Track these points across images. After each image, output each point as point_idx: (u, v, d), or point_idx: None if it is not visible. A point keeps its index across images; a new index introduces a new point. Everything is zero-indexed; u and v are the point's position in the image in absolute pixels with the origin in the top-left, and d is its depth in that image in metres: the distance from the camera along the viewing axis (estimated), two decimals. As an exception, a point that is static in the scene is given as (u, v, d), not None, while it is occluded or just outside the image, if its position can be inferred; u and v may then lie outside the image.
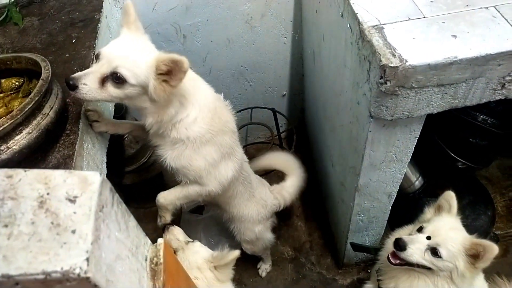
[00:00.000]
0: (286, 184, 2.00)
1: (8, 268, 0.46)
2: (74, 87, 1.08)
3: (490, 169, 2.52)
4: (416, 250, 1.34)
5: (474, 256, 1.29)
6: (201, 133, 1.30)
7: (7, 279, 0.46)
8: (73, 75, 1.09)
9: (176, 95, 1.22)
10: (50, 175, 0.55)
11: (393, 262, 1.40)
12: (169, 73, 1.11)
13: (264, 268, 2.24)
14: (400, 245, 1.35)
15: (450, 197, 1.43)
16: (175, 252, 1.44)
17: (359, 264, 2.23)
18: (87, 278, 0.49)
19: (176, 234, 1.50)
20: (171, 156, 1.34)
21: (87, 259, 0.49)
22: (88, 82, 1.09)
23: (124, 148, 2.20)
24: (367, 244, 1.96)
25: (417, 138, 1.36)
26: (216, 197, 1.57)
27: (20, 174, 0.55)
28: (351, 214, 1.74)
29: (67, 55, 1.50)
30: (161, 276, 0.73)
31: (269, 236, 1.98)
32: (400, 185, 2.12)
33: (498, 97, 1.18)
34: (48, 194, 0.54)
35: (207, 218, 2.26)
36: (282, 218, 2.49)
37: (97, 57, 1.14)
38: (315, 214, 2.50)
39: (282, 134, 2.70)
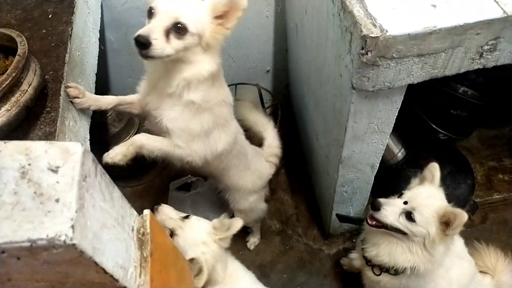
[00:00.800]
0: (267, 141, 2.01)
1: (-7, 237, 0.47)
2: (148, 44, 1.06)
3: (470, 139, 2.59)
4: (391, 212, 1.39)
5: (446, 224, 1.33)
6: (205, 99, 1.32)
7: (-8, 247, 0.47)
8: (140, 33, 1.07)
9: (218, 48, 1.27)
10: (31, 146, 0.55)
11: (369, 223, 1.46)
12: (224, 16, 1.16)
13: (253, 241, 2.29)
14: (375, 205, 1.41)
15: (433, 168, 1.47)
16: (173, 234, 1.42)
17: (344, 234, 2.30)
18: (73, 245, 0.50)
19: (168, 212, 1.47)
20: (168, 117, 1.33)
21: (72, 226, 0.50)
22: (158, 37, 1.08)
23: (108, 127, 2.18)
24: (352, 215, 2.02)
25: (398, 109, 1.38)
26: (207, 168, 1.58)
27: (0, 145, 0.55)
28: (336, 185, 1.78)
29: (43, 31, 1.46)
30: (148, 246, 0.75)
31: (262, 206, 2.02)
32: (383, 157, 2.17)
33: (476, 67, 1.21)
34: (29, 164, 0.54)
35: (194, 194, 2.29)
36: (269, 192, 2.53)
37: (150, 12, 1.13)
38: (301, 187, 2.54)
39: (267, 110, 2.70)
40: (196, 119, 1.35)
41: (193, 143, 1.39)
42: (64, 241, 0.49)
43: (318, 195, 2.31)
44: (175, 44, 1.13)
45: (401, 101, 1.35)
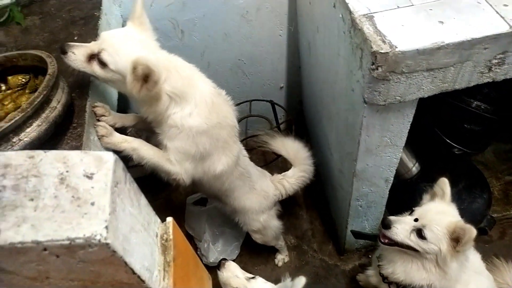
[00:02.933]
0: (288, 173, 2.01)
1: (36, 235, 0.52)
2: (64, 52, 1.19)
3: (486, 154, 2.58)
4: (402, 230, 1.39)
5: (456, 240, 1.32)
6: (196, 125, 1.34)
7: (36, 245, 0.52)
8: (68, 43, 1.20)
9: (164, 94, 1.26)
10: (68, 155, 0.61)
11: (382, 241, 1.46)
12: (145, 78, 1.16)
13: (281, 258, 2.28)
14: (385, 223, 1.41)
15: (443, 184, 1.47)
16: None
17: (360, 250, 2.29)
18: (107, 244, 0.54)
19: (234, 270, 1.44)
20: (166, 134, 1.37)
21: (106, 227, 0.54)
22: (77, 52, 1.19)
23: (127, 143, 2.25)
24: (367, 231, 2.02)
25: (410, 123, 1.41)
26: (210, 189, 1.61)
27: (40, 154, 0.60)
28: (350, 199, 1.80)
29: (70, 52, 1.55)
30: (171, 251, 0.79)
31: (275, 223, 2.00)
32: (397, 171, 2.18)
33: (486, 80, 1.23)
34: (67, 171, 0.59)
35: (211, 209, 2.32)
36: (284, 208, 2.55)
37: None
38: (316, 202, 2.55)
39: (281, 125, 2.75)
40: (192, 141, 1.37)
41: (185, 162, 1.41)
42: (99, 240, 0.53)
43: (333, 210, 2.32)
44: (96, 69, 1.22)
45: (413, 114, 1.38)
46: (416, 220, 1.41)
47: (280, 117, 2.78)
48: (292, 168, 2.03)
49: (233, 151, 1.54)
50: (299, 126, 2.89)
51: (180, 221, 2.41)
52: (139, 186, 2.47)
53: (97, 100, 1.40)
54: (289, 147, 2.03)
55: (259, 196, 1.84)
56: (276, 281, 2.24)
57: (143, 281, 0.65)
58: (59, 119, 1.20)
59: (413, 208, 1.48)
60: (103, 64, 1.20)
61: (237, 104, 2.54)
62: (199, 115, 1.35)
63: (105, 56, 1.18)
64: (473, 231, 1.27)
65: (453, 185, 2.20)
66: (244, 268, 2.32)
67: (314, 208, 2.53)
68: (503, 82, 2.00)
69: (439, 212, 1.42)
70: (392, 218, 1.43)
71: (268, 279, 2.26)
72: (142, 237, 0.69)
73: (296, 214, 2.52)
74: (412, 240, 1.38)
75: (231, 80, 2.50)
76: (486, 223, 2.23)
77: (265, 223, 1.92)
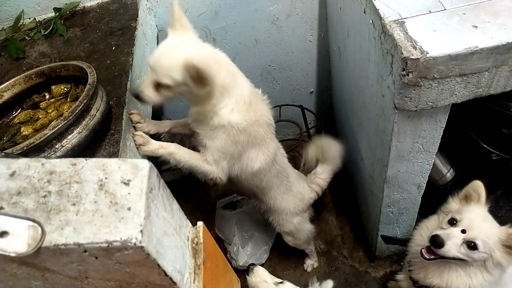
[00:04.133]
0: (317, 171, 2.00)
1: (78, 238, 0.56)
2: (139, 98, 1.33)
3: (526, 159, 2.46)
4: (453, 245, 1.33)
5: (510, 246, 1.30)
6: (236, 122, 1.38)
7: (77, 247, 0.56)
8: (137, 87, 1.33)
9: (217, 88, 1.31)
10: (107, 162, 0.65)
11: (427, 257, 1.39)
12: (200, 77, 1.21)
13: (310, 263, 2.29)
14: (438, 242, 1.34)
15: (478, 187, 1.42)
16: None
17: (392, 257, 2.25)
18: (142, 247, 0.58)
19: (262, 275, 1.47)
20: (206, 135, 1.42)
21: (141, 231, 0.58)
22: (145, 90, 1.31)
23: (161, 148, 2.33)
24: (398, 236, 1.98)
25: (443, 128, 1.38)
26: (248, 186, 1.64)
27: (82, 162, 0.65)
28: (381, 206, 1.78)
29: (108, 61, 1.62)
30: (202, 255, 0.82)
31: (308, 227, 2.01)
32: (431, 177, 2.12)
33: (523, 84, 1.19)
34: (106, 178, 0.63)
35: (240, 213, 2.35)
36: (313, 212, 2.55)
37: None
38: (346, 208, 2.53)
39: (310, 130, 2.75)
40: (232, 139, 1.42)
41: (223, 161, 1.46)
42: (135, 244, 0.57)
43: (364, 216, 2.29)
44: (166, 93, 1.30)
45: (446, 120, 1.35)
46: (463, 231, 1.36)
47: (310, 122, 2.78)
48: (319, 164, 2.02)
49: (270, 149, 1.56)
50: (329, 131, 2.88)
51: (210, 225, 2.46)
52: (171, 190, 2.55)
53: (133, 108, 1.46)
54: (317, 143, 2.02)
55: (295, 197, 1.86)
56: (304, 286, 2.25)
57: (174, 283, 0.68)
58: (98, 126, 1.27)
59: (454, 218, 1.39)
60: (166, 87, 1.28)
61: (267, 110, 2.59)
62: (239, 112, 1.39)
63: (164, 80, 1.26)
64: None
65: (490, 191, 2.14)
66: (273, 272, 2.33)
67: (344, 214, 2.51)
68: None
69: (484, 219, 1.38)
70: (442, 235, 1.35)
71: (297, 284, 2.26)
72: (174, 241, 0.72)
73: (326, 219, 2.51)
74: (462, 253, 1.34)
75: (261, 86, 2.49)
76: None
77: (298, 225, 1.94)
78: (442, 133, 1.40)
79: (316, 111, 2.75)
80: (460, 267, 1.39)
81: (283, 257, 2.38)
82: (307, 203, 1.94)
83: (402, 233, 1.98)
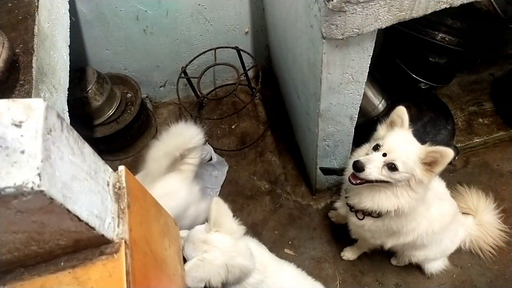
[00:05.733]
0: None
1: (-38, 188, 0.49)
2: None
3: (451, 86, 2.62)
4: (374, 169, 1.40)
5: (429, 163, 1.37)
6: None
7: (-37, 198, 0.49)
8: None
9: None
10: (-8, 104, 0.57)
11: (354, 182, 1.47)
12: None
13: None
14: (358, 167, 1.40)
15: (401, 112, 1.47)
16: None
17: (331, 188, 2.36)
18: (42, 191, 0.52)
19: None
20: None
21: (39, 174, 0.52)
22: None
23: (89, 101, 2.18)
24: (335, 167, 2.06)
25: (370, 57, 1.39)
26: None
27: (-39, 106, 0.56)
28: (317, 140, 1.82)
29: (9, 4, 1.43)
30: (125, 199, 0.78)
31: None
32: (364, 109, 2.20)
33: (443, 6, 1.21)
34: (-8, 121, 0.55)
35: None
36: (256, 155, 2.57)
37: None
38: (287, 147, 2.58)
39: (248, 72, 2.70)
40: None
41: None
42: (32, 188, 0.51)
43: (303, 153, 2.35)
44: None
45: (373, 48, 1.35)
46: (384, 154, 1.43)
47: (248, 64, 2.72)
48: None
49: None
50: (268, 72, 2.85)
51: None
52: (107, 145, 2.42)
53: (44, 56, 1.32)
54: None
55: None
56: (252, 225, 2.32)
57: (92, 228, 0.64)
58: (1, 76, 1.13)
59: (377, 144, 1.48)
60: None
61: (202, 53, 2.48)
62: None
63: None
64: (450, 152, 1.30)
65: (418, 119, 2.27)
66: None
67: (286, 153, 2.56)
68: (466, 13, 1.99)
69: (404, 141, 1.42)
70: (363, 159, 1.42)
71: (244, 223, 2.31)
72: (89, 185, 0.67)
73: (269, 160, 2.55)
74: (385, 175, 1.40)
75: (193, 28, 2.40)
76: (450, 152, 2.32)
77: None
78: (370, 62, 1.42)
79: (253, 53, 2.69)
80: (388, 189, 1.46)
81: (229, 200, 2.42)
82: None
83: (339, 165, 2.07)
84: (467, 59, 2.41)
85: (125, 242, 0.73)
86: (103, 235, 0.68)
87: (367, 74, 1.47)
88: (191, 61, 2.48)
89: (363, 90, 1.56)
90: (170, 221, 1.06)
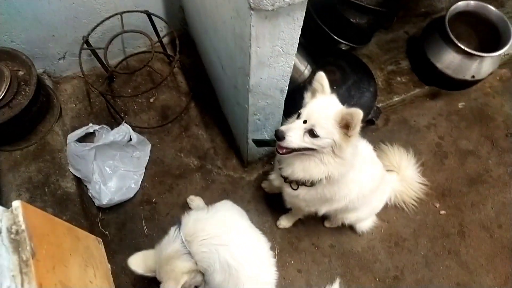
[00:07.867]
0: None
1: None
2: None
3: (370, 46, 2.65)
4: (295, 136, 1.38)
5: (346, 126, 1.35)
6: None
7: None
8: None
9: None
10: None
11: (280, 152, 1.45)
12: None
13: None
14: (279, 136, 1.38)
15: (321, 78, 1.43)
16: None
17: (263, 159, 2.31)
18: None
19: None
20: None
21: None
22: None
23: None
24: (267, 138, 1.99)
25: (301, 27, 1.28)
26: None
27: None
28: (248, 115, 1.71)
29: None
30: (27, 246, 0.60)
31: None
32: (291, 77, 2.12)
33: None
34: None
35: (100, 146, 2.05)
36: (181, 129, 2.39)
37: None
38: (214, 120, 2.44)
39: (164, 39, 2.43)
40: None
41: None
42: None
43: (232, 126, 2.24)
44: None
45: (303, 17, 1.24)
46: (305, 121, 1.40)
47: (161, 29, 2.45)
48: None
49: None
50: (186, 38, 2.60)
51: (64, 165, 2.12)
52: (3, 133, 2.04)
53: None
54: None
55: None
56: (184, 205, 2.20)
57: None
58: None
59: (299, 112, 1.44)
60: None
61: (105, 20, 2.15)
62: None
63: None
64: (359, 112, 1.28)
65: (343, 83, 2.26)
66: (149, 199, 2.21)
67: (213, 126, 2.43)
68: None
69: (323, 106, 1.41)
70: (283, 128, 1.40)
71: (176, 205, 2.20)
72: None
73: (195, 134, 2.40)
74: (307, 142, 1.38)
75: (91, -11, 2.05)
76: (373, 114, 2.38)
77: None
78: (300, 33, 1.31)
79: (166, 16, 2.41)
80: (316, 157, 1.45)
81: (156, 182, 2.25)
82: None
83: (270, 137, 1.99)
84: (385, 19, 2.43)
85: (35, 302, 0.56)
86: (1, 310, 0.51)
87: (297, 45, 1.37)
88: (94, 28, 2.14)
89: (293, 62, 1.46)
90: (91, 242, 0.90)
